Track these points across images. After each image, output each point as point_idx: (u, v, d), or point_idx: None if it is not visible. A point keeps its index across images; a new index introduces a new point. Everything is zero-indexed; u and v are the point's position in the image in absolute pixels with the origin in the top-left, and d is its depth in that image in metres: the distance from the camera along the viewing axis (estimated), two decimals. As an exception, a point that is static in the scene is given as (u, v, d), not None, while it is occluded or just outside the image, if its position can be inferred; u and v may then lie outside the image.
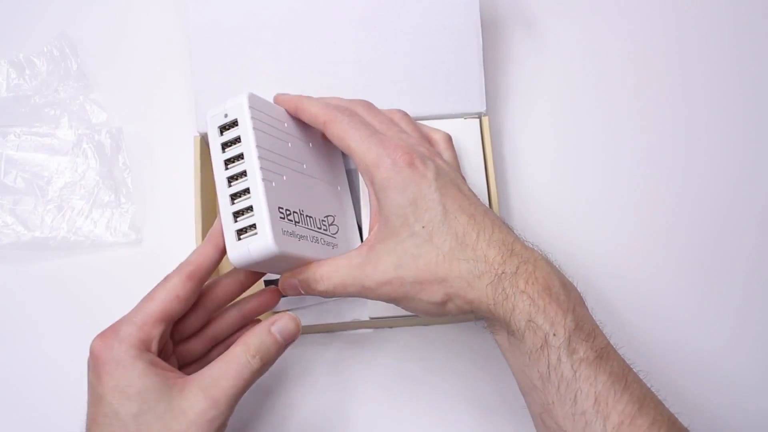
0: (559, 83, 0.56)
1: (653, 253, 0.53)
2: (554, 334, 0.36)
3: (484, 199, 0.49)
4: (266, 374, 0.48)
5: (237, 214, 0.39)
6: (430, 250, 0.39)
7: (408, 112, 0.46)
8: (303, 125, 0.44)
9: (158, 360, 0.38)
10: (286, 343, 0.39)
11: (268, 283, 0.49)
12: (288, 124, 0.43)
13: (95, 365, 0.37)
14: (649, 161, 0.55)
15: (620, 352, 0.38)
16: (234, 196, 0.39)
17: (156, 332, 0.38)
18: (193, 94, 0.50)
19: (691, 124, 0.56)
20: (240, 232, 0.39)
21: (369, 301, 0.47)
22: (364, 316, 0.48)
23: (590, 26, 0.57)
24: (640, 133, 0.55)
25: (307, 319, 0.48)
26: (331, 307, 0.49)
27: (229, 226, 0.39)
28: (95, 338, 0.37)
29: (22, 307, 0.51)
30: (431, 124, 0.48)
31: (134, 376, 0.36)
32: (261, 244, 0.38)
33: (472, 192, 0.42)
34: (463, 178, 0.45)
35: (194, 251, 0.40)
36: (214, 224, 0.41)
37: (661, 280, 0.52)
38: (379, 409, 0.49)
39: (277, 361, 0.49)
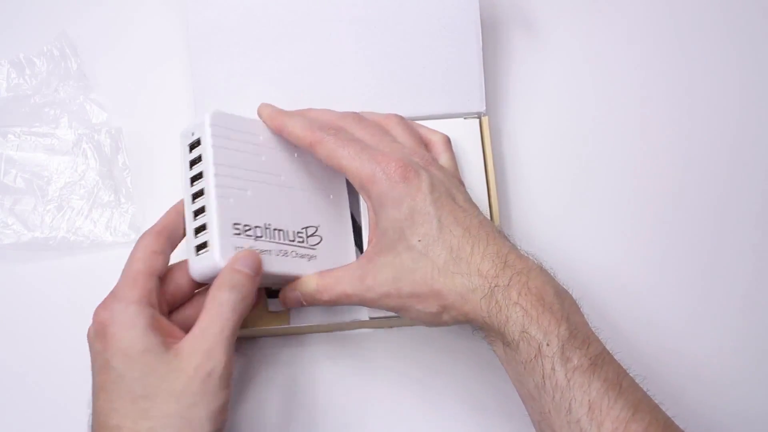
0: (560, 83, 0.56)
1: (652, 251, 0.53)
2: (548, 344, 0.36)
3: (484, 199, 0.49)
4: (265, 373, 0.49)
5: (197, 231, 0.41)
6: (425, 264, 0.39)
7: (408, 112, 0.46)
8: None
9: (158, 317, 0.39)
10: (254, 274, 0.39)
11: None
12: (264, 137, 0.44)
13: (100, 331, 0.38)
14: (650, 161, 0.54)
15: (617, 356, 0.38)
16: (195, 213, 0.41)
17: (150, 285, 0.39)
18: (193, 95, 0.50)
19: (692, 122, 0.55)
20: (198, 248, 0.40)
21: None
22: (364, 316, 0.48)
23: (590, 26, 0.57)
24: (641, 133, 0.55)
25: (307, 319, 0.48)
26: (330, 307, 0.48)
27: (191, 242, 0.41)
28: (97, 308, 0.39)
29: (22, 307, 0.51)
30: (431, 124, 0.48)
31: (136, 335, 0.37)
32: (210, 261, 0.39)
33: (469, 200, 0.42)
34: (461, 182, 0.45)
35: (160, 218, 0.43)
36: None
37: (659, 280, 0.52)
38: (379, 408, 0.49)
39: (276, 361, 0.49)
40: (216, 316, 0.38)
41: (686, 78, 0.56)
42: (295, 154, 0.45)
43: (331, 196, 0.46)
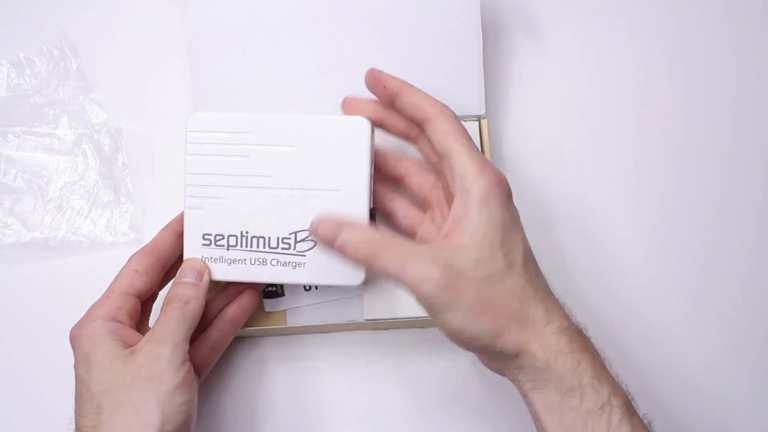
0: (560, 87, 0.56)
1: (652, 258, 0.53)
2: (615, 395, 0.37)
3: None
4: (261, 372, 0.49)
5: None
6: (515, 276, 0.38)
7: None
8: (294, 127, 0.42)
9: (124, 328, 0.41)
10: (197, 281, 0.42)
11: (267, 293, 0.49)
12: (256, 133, 0.42)
13: (73, 347, 0.40)
14: (650, 165, 0.54)
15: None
16: None
17: (121, 303, 0.41)
18: (193, 94, 0.50)
19: (694, 126, 0.55)
20: None
21: (365, 302, 0.47)
22: (360, 318, 0.48)
23: (591, 30, 0.57)
24: (641, 137, 0.55)
25: (303, 319, 0.48)
26: (327, 308, 0.48)
27: None
28: (71, 328, 0.41)
29: (22, 307, 0.51)
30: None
31: (96, 341, 0.39)
32: None
33: None
34: None
35: (153, 237, 0.44)
36: (177, 215, 0.45)
37: (659, 280, 0.52)
38: (377, 410, 0.49)
39: (272, 361, 0.49)
40: (165, 319, 0.41)
41: (688, 84, 0.56)
42: (294, 148, 0.42)
43: (341, 191, 0.43)
